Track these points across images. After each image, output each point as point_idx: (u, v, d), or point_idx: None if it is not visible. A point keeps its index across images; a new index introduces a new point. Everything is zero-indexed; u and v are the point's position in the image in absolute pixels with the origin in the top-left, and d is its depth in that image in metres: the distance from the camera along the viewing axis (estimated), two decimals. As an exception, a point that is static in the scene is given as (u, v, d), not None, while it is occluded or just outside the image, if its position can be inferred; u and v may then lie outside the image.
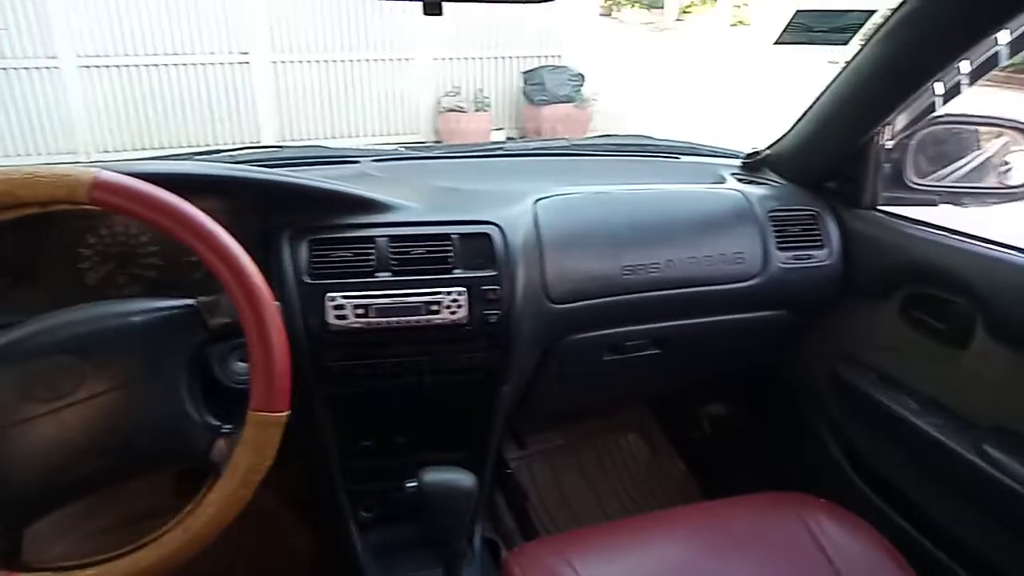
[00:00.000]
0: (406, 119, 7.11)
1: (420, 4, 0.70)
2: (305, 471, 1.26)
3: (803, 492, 1.06)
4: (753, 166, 1.39)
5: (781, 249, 1.23)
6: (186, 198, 0.76)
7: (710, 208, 1.23)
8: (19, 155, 6.04)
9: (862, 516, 1.02)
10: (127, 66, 6.15)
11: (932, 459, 1.10)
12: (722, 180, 1.34)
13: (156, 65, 6.21)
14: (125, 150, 6.28)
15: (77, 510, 1.33)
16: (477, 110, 6.88)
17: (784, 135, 1.35)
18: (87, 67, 6.05)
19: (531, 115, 7.09)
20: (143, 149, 6.29)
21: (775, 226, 1.23)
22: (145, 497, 1.32)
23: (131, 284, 1.03)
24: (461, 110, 6.83)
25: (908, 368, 1.19)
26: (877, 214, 1.25)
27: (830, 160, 1.28)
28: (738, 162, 1.43)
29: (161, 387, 0.74)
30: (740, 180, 1.34)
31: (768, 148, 1.39)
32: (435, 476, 0.91)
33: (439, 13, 0.69)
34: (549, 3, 0.85)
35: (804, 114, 1.29)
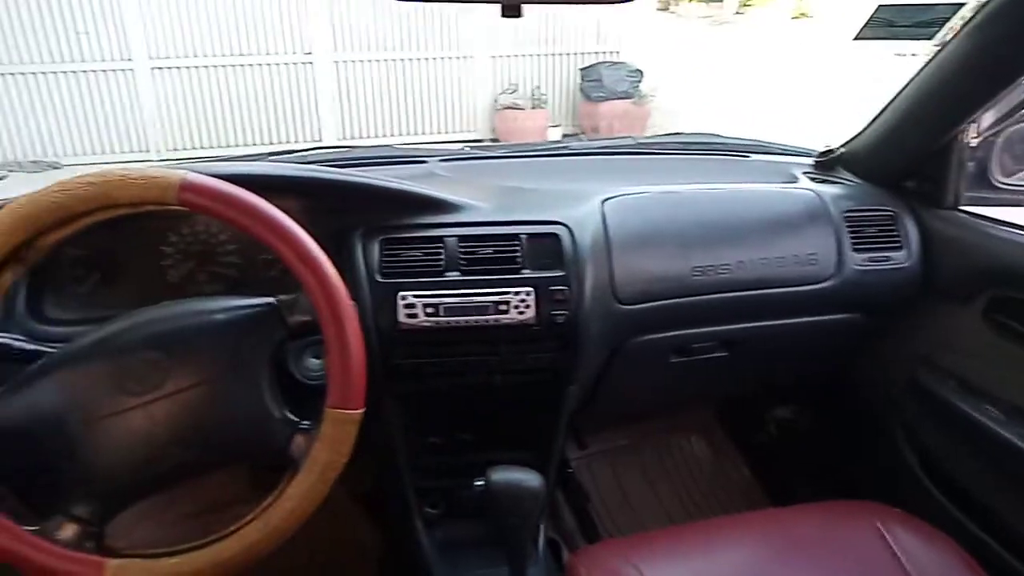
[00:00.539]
0: (463, 117, 7.16)
1: (499, 6, 0.70)
2: (372, 467, 1.28)
3: (875, 500, 1.02)
4: (827, 165, 1.35)
5: (857, 250, 1.19)
6: (265, 198, 0.78)
7: (782, 208, 1.20)
8: (95, 154, 6.33)
9: (938, 527, 0.98)
10: (196, 67, 6.37)
11: (1016, 470, 1.05)
12: (794, 179, 1.31)
13: (224, 66, 6.42)
14: (193, 148, 6.51)
15: (156, 497, 1.40)
16: (534, 107, 6.88)
17: (860, 132, 1.31)
18: (159, 68, 6.29)
19: (588, 111, 7.05)
20: (210, 148, 6.51)
21: (850, 227, 1.20)
22: (220, 486, 1.36)
23: (210, 282, 1.07)
24: (518, 107, 6.84)
25: (991, 374, 1.14)
26: (959, 214, 1.20)
27: (910, 158, 1.23)
28: (810, 161, 1.39)
29: (243, 383, 0.76)
30: (813, 179, 1.31)
31: (843, 146, 1.35)
32: (503, 475, 0.92)
33: (518, 15, 0.69)
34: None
35: (883, 111, 1.25)
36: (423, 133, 7.06)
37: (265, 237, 0.76)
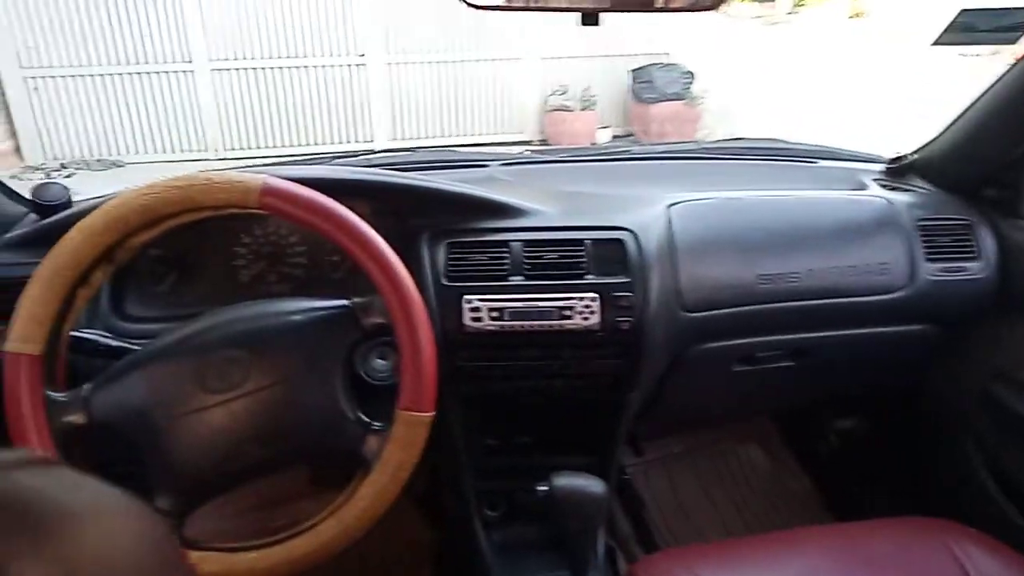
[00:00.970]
0: (512, 119, 7.18)
1: (579, 15, 0.70)
2: (427, 468, 1.29)
3: (941, 517, 0.99)
4: (898, 171, 1.32)
5: (930, 260, 1.15)
6: (340, 202, 0.79)
7: (852, 215, 1.17)
8: (156, 152, 6.53)
9: (1013, 546, 0.94)
10: (254, 69, 6.52)
11: None
12: (863, 186, 1.28)
13: (280, 68, 6.56)
14: (250, 148, 6.67)
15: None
16: (583, 109, 6.85)
17: (935, 138, 1.27)
18: (218, 70, 6.46)
19: (639, 113, 6.99)
20: (266, 148, 6.66)
21: (924, 236, 1.16)
22: (284, 481, 1.40)
23: (280, 282, 1.09)
24: (568, 109, 6.82)
25: None
26: None
27: (988, 166, 1.19)
28: (880, 167, 1.36)
29: (319, 383, 0.78)
30: (883, 186, 1.28)
31: (916, 152, 1.31)
32: (567, 481, 0.92)
33: (596, 23, 0.70)
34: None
35: (960, 116, 1.21)
36: (473, 135, 7.10)
37: (342, 241, 0.78)
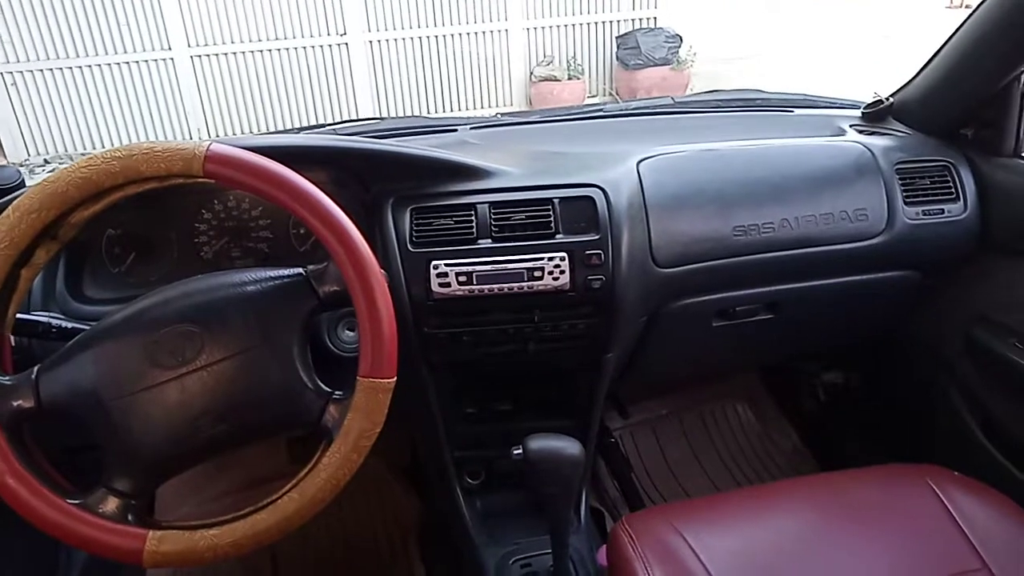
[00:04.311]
0: (499, 90, 7.10)
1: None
2: (411, 439, 1.28)
3: (931, 464, 0.98)
4: (876, 116, 1.29)
5: (909, 204, 1.13)
6: (295, 171, 0.77)
7: (829, 162, 1.15)
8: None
9: (998, 489, 0.94)
10: (234, 53, 6.43)
11: None
12: (841, 132, 1.25)
13: (261, 51, 6.46)
14: (234, 134, 6.59)
15: (200, 475, 1.43)
16: (570, 78, 6.77)
17: (911, 80, 1.24)
18: (198, 56, 6.37)
19: (626, 80, 6.90)
20: (250, 133, 6.58)
21: (902, 179, 1.14)
22: (262, 463, 1.39)
23: (244, 257, 1.07)
24: (554, 79, 6.74)
25: None
26: (1021, 162, 1.13)
27: (966, 105, 1.16)
28: (858, 112, 1.33)
29: (275, 354, 0.76)
30: (861, 131, 1.25)
31: (892, 96, 1.28)
32: (541, 443, 0.90)
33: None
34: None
35: (934, 56, 1.18)
36: (459, 109, 7.01)
37: (291, 206, 0.75)
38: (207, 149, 0.74)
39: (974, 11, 1.07)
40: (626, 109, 1.40)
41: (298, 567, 1.38)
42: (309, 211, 0.75)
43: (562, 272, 0.98)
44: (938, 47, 1.17)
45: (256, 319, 0.77)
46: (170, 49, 6.30)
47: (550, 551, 0.97)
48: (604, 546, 0.95)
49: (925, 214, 1.14)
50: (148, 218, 1.03)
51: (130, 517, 0.72)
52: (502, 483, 1.17)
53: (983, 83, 1.12)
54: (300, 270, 0.79)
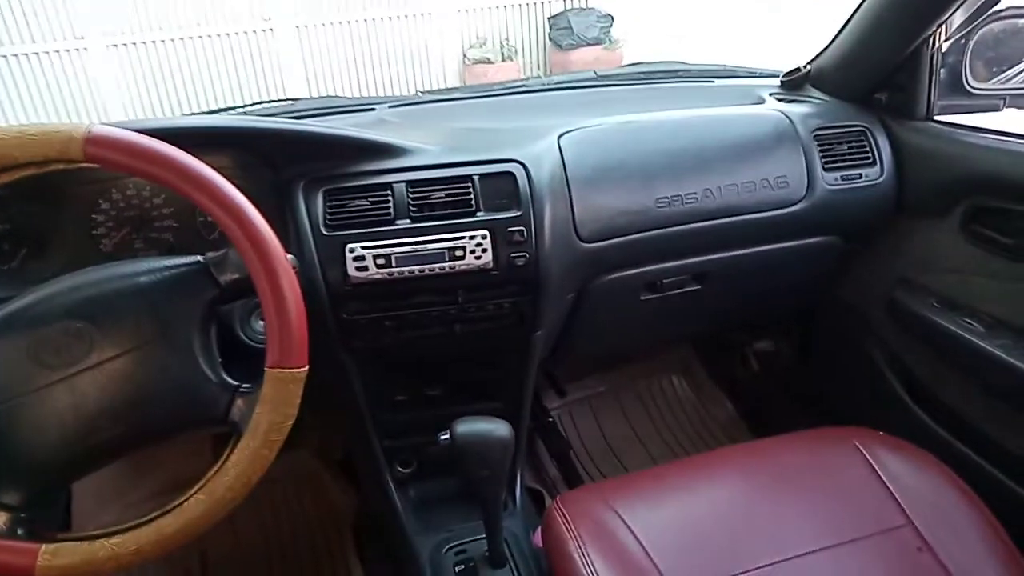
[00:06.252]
0: (432, 75, 7.01)
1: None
2: (341, 430, 1.24)
3: (861, 427, 1.00)
4: (794, 84, 1.30)
5: (828, 170, 1.14)
6: (193, 154, 0.71)
7: (748, 131, 1.15)
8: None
9: (925, 448, 0.96)
10: (154, 42, 6.15)
11: (1001, 383, 1.03)
12: (761, 101, 1.25)
13: (182, 39, 6.20)
14: (158, 127, 6.32)
15: (123, 478, 1.36)
16: (504, 60, 6.73)
17: (826, 47, 1.25)
18: (115, 45, 6.07)
19: (559, 61, 6.90)
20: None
21: (821, 146, 1.15)
22: (186, 463, 1.33)
23: (148, 248, 1.01)
24: (488, 61, 6.69)
25: (971, 288, 1.10)
26: (934, 125, 1.15)
27: (879, 70, 1.18)
28: (777, 81, 1.34)
29: (173, 348, 0.71)
30: (780, 100, 1.26)
31: (809, 63, 1.29)
32: (468, 427, 0.88)
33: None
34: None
35: (847, 22, 1.19)
36: (392, 94, 6.91)
37: (184, 189, 0.70)
38: (86, 131, 0.69)
39: None
40: (549, 84, 1.38)
41: (229, 567, 1.33)
42: (203, 193, 0.70)
43: (484, 251, 0.96)
44: (851, 13, 1.18)
45: (150, 312, 0.72)
46: (83, 39, 5.98)
47: (485, 536, 0.95)
48: (539, 528, 0.94)
49: (844, 179, 1.15)
50: (39, 211, 0.96)
51: (20, 531, 0.67)
52: (435, 470, 1.14)
53: (893, 47, 1.13)
54: (199, 258, 0.75)
